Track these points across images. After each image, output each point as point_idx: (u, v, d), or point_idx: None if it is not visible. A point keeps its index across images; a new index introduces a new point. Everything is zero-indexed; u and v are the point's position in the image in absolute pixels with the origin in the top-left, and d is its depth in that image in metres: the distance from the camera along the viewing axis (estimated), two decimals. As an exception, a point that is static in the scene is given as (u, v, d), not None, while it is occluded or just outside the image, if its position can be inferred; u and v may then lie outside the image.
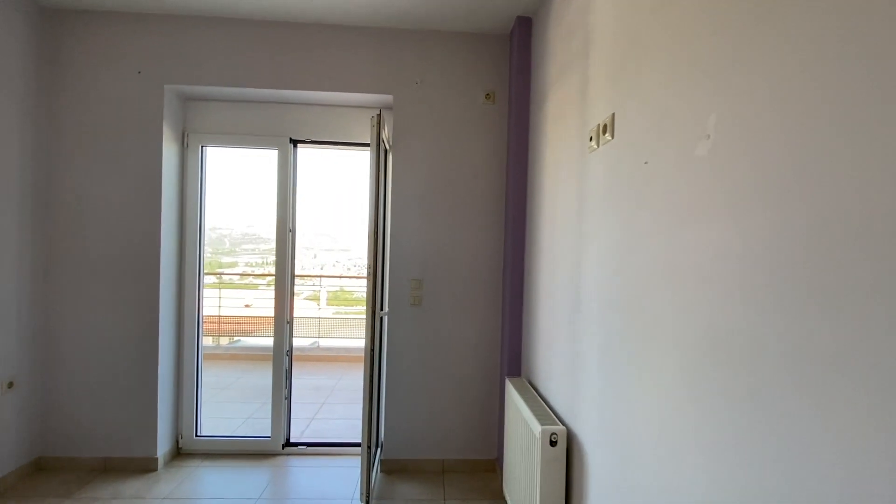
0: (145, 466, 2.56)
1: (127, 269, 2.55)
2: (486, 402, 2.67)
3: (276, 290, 2.82)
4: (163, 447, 2.63)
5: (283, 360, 2.82)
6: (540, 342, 2.11)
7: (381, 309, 2.44)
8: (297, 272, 3.00)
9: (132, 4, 2.44)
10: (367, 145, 2.80)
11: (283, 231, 2.81)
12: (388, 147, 2.62)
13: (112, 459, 2.55)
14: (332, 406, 3.84)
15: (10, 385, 2.36)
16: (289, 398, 2.87)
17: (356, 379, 4.69)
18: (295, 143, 2.83)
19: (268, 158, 2.85)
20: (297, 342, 5.58)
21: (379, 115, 2.16)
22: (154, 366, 2.57)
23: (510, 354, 2.46)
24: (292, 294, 2.87)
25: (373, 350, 2.16)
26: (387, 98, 2.63)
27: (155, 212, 2.55)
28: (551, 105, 2.07)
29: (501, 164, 2.66)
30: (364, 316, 2.22)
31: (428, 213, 2.63)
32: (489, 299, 2.66)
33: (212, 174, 2.92)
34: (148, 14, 2.53)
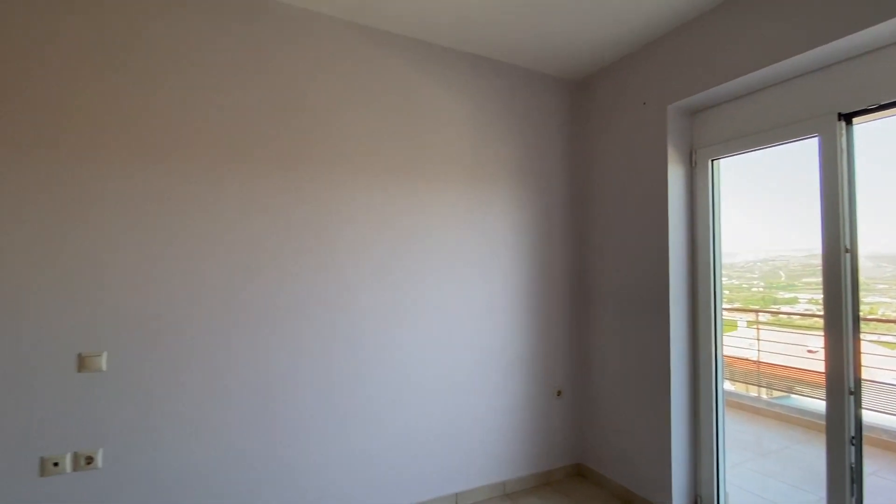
0: (660, 518, 2.35)
1: (638, 300, 2.53)
2: None
3: (825, 339, 1.91)
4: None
5: (843, 450, 1.83)
6: None
7: None
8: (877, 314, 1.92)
9: (630, 44, 2.49)
10: None
11: (834, 252, 1.88)
12: None
13: (632, 495, 2.52)
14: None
15: (559, 393, 2.86)
16: (861, 515, 1.82)
17: None
18: (847, 117, 1.88)
19: (801, 156, 2.05)
20: (878, 418, 3.71)
21: None
22: (665, 409, 2.35)
23: None
24: (857, 348, 1.85)
25: None
26: None
27: (662, 241, 2.41)
28: None
29: None
30: None
31: None
32: None
33: (733, 192, 2.45)
34: (643, 45, 2.50)
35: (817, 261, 1.93)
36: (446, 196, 2.52)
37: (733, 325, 5.28)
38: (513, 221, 2.74)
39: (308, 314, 2.16)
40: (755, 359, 4.76)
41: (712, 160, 2.42)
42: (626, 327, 2.62)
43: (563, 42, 2.52)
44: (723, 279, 2.43)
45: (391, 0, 2.13)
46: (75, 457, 1.74)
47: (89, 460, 1.76)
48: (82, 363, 1.76)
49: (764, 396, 4.62)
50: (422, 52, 2.48)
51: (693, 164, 2.48)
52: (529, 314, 2.77)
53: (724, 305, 2.46)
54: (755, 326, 4.96)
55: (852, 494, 1.82)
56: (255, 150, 2.06)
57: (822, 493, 1.90)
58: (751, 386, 4.79)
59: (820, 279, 1.94)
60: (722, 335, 2.41)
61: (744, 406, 4.50)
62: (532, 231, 2.80)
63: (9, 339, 1.67)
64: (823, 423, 1.93)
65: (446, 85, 2.55)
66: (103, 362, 1.79)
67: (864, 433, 1.86)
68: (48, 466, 1.71)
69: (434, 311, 2.47)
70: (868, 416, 3.43)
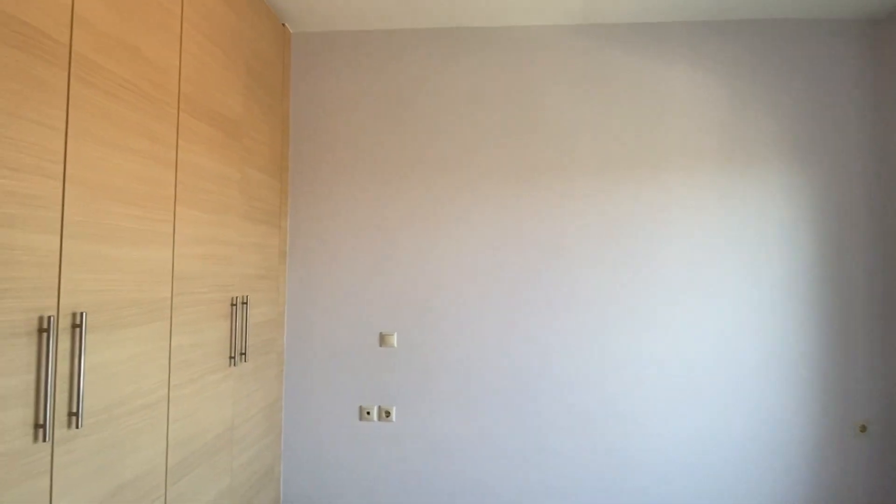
0: None
1: None
2: None
3: None
4: None
5: None
6: None
7: None
8: None
9: None
10: None
11: None
12: None
13: None
14: None
15: (863, 429, 2.21)
16: None
17: None
18: None
19: None
20: None
21: None
22: None
23: None
24: None
25: None
26: None
27: None
28: None
29: None
30: None
31: None
32: None
33: None
34: None
35: None
36: (690, 188, 2.29)
37: None
38: (782, 212, 2.27)
39: (552, 314, 2.30)
40: None
41: None
42: None
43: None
44: None
45: (622, -7, 2.09)
46: (379, 410, 2.33)
47: (387, 414, 2.32)
48: (382, 340, 2.33)
49: None
50: (649, 35, 2.33)
51: None
52: (813, 327, 2.23)
53: None
54: None
55: None
56: (502, 169, 2.34)
57: None
58: None
59: None
60: None
61: None
62: (814, 224, 2.26)
63: (338, 322, 2.36)
64: None
65: (683, 62, 2.31)
66: (395, 340, 2.33)
67: None
68: (363, 414, 2.33)
69: (677, 317, 2.27)
70: None
